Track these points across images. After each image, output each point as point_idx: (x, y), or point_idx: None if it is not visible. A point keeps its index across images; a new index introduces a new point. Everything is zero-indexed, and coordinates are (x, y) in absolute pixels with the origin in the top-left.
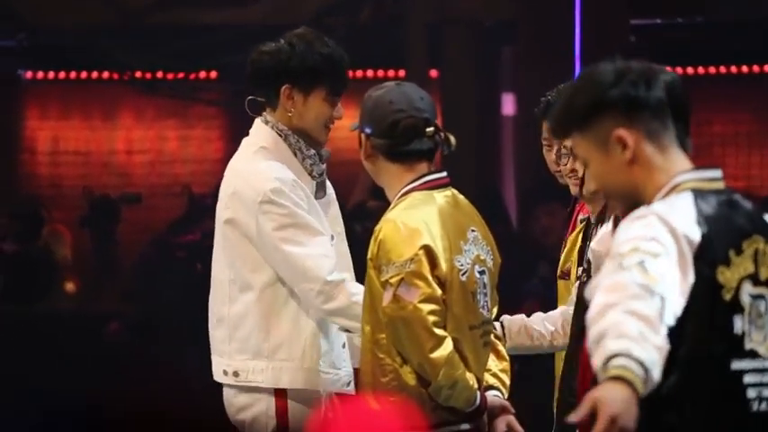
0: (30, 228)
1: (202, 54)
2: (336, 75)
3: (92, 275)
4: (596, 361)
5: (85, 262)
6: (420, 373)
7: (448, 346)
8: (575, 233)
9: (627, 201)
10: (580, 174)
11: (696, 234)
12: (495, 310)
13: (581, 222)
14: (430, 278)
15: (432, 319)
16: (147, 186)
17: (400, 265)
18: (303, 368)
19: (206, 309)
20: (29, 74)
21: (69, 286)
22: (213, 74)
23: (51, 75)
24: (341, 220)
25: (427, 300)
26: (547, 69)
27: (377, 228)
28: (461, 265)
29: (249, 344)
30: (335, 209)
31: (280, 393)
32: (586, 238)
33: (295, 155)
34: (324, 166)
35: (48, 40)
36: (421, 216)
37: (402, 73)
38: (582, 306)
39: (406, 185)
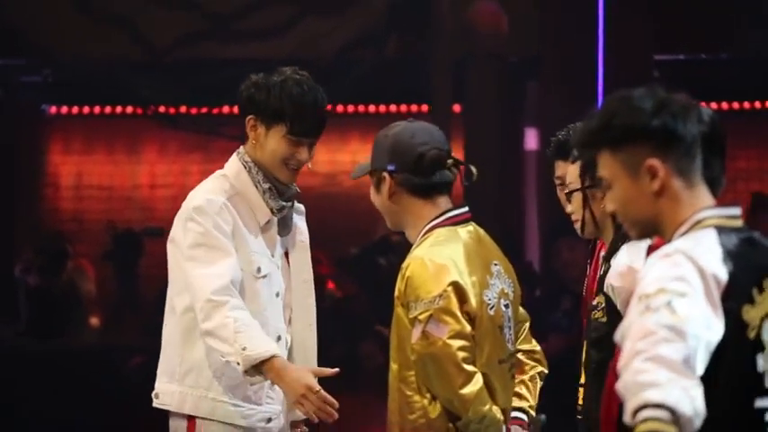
0: (54, 262)
1: (226, 89)
2: (300, 117)
3: (114, 309)
4: (626, 420)
5: (108, 296)
6: (448, 409)
7: (478, 382)
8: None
9: (644, 230)
10: (579, 216)
11: (723, 273)
12: (527, 325)
13: (604, 260)
14: (459, 314)
15: (461, 355)
16: (169, 220)
17: (429, 302)
18: (208, 397)
19: None
20: (53, 109)
21: (93, 321)
22: (236, 109)
23: (75, 109)
24: (310, 268)
25: (456, 336)
26: (570, 104)
27: (403, 265)
28: (489, 300)
29: (168, 367)
30: (304, 256)
31: (192, 420)
32: (601, 275)
33: (256, 187)
34: (285, 203)
35: (72, 75)
36: (447, 253)
37: (425, 108)
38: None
39: (430, 222)
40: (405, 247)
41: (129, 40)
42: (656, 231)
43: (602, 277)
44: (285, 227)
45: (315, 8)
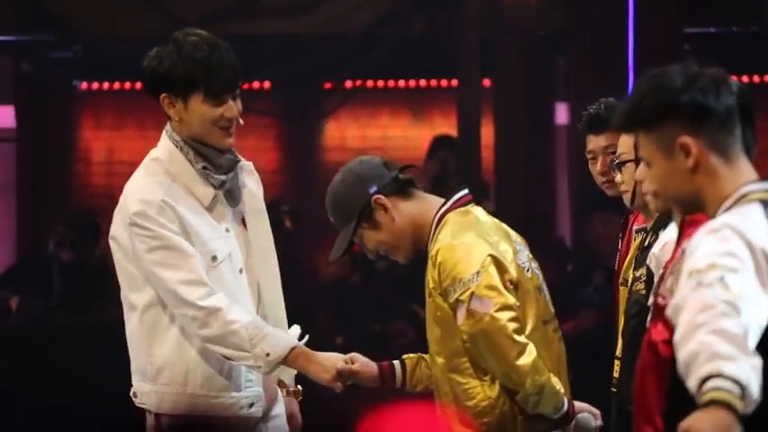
0: (87, 238)
1: (255, 64)
2: (212, 77)
3: None
4: (691, 385)
5: None
6: (506, 385)
7: (532, 352)
8: (635, 244)
9: (687, 206)
10: (629, 187)
11: None
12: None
13: (636, 233)
14: (500, 287)
15: (512, 326)
16: None
17: (468, 281)
18: (186, 393)
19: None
20: (84, 85)
21: None
22: (266, 84)
23: (106, 85)
24: (269, 234)
25: (502, 308)
26: (600, 78)
27: (431, 255)
28: (523, 263)
29: (138, 365)
30: (261, 221)
31: (158, 417)
32: (644, 247)
33: (192, 165)
34: (225, 176)
35: (102, 52)
36: (472, 230)
37: (455, 82)
38: (636, 311)
39: (438, 212)
40: None
41: (159, 16)
42: (699, 207)
43: (646, 249)
44: (233, 198)
45: None
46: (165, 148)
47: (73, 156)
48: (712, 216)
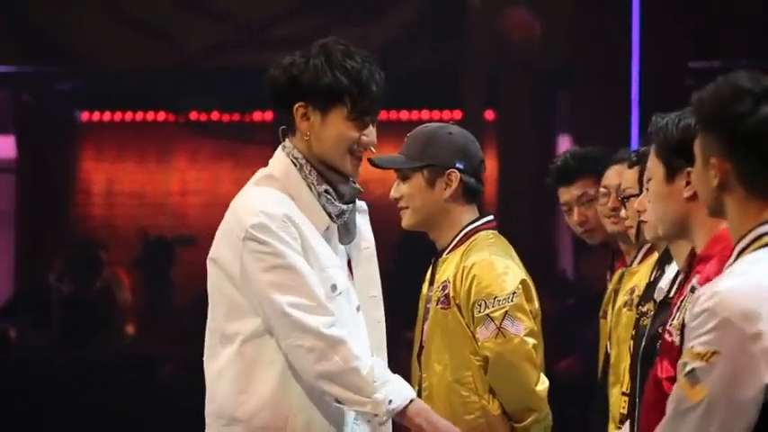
0: (88, 270)
1: (257, 96)
2: (361, 92)
3: (147, 318)
4: None
5: (140, 304)
6: (510, 408)
7: (545, 381)
8: (614, 280)
9: (710, 211)
10: (634, 222)
11: None
12: None
13: (657, 265)
14: (529, 312)
15: (534, 353)
16: (201, 228)
17: (504, 299)
18: None
19: None
20: (85, 115)
21: (129, 329)
22: (268, 115)
23: (107, 116)
24: (378, 281)
25: (530, 334)
26: (603, 112)
27: (465, 266)
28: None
29: (224, 406)
30: (371, 269)
31: None
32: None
33: (310, 188)
34: (346, 206)
35: (104, 83)
36: (506, 252)
37: (458, 114)
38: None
39: (468, 225)
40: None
41: (160, 48)
42: (722, 217)
43: (653, 284)
44: (347, 234)
45: (345, 16)
46: (281, 165)
47: (73, 187)
48: (733, 247)
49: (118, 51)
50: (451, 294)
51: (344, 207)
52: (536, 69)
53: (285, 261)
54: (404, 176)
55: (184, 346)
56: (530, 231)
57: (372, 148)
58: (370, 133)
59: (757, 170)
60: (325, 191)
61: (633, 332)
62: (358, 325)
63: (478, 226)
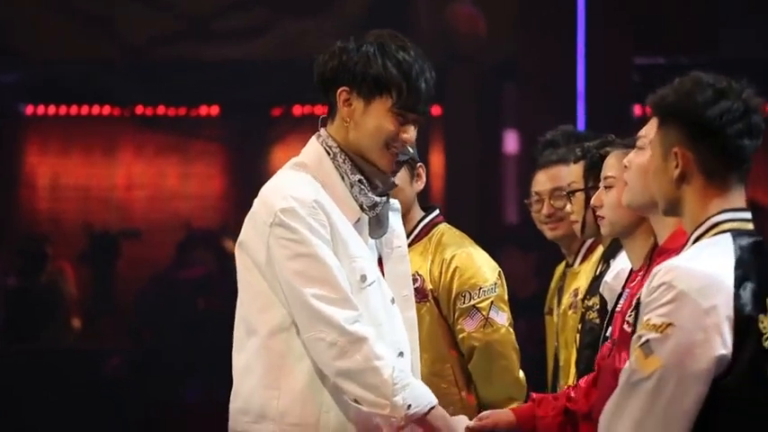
0: (33, 264)
1: (204, 90)
2: (410, 86)
3: (92, 311)
4: None
5: (85, 298)
6: (493, 398)
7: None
8: (556, 277)
9: (664, 206)
10: (579, 216)
11: (730, 288)
12: None
13: (602, 260)
14: (507, 302)
15: (515, 342)
16: (146, 222)
17: (488, 290)
18: None
19: (206, 344)
20: (29, 109)
21: (74, 323)
22: (215, 110)
23: (52, 110)
24: (410, 280)
25: (511, 324)
26: (549, 107)
27: (445, 258)
28: None
29: (253, 402)
30: (405, 268)
31: None
32: (596, 275)
33: (342, 178)
34: (379, 199)
35: (48, 76)
36: (473, 244)
37: None
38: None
39: (425, 218)
40: None
41: (106, 40)
42: (676, 213)
43: (598, 278)
44: (379, 227)
45: (292, 10)
46: (313, 152)
47: (18, 181)
48: (688, 234)
49: (62, 44)
50: (428, 288)
51: (378, 199)
52: (481, 64)
53: (311, 250)
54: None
55: (130, 339)
56: (475, 227)
57: (410, 148)
58: (411, 131)
59: (717, 159)
60: (359, 181)
61: (579, 326)
62: (393, 318)
63: (434, 219)
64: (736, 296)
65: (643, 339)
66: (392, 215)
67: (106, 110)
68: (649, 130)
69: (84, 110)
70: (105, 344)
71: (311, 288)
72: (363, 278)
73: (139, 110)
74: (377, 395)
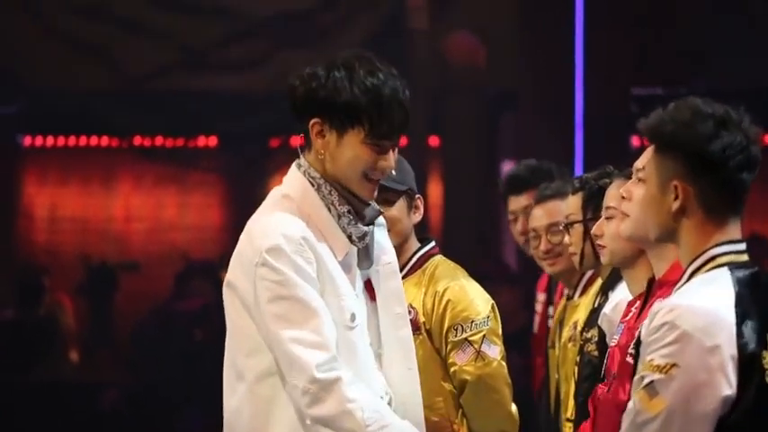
0: (31, 296)
1: (202, 120)
2: (382, 114)
3: (90, 344)
4: None
5: (83, 330)
6: (488, 430)
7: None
8: (558, 310)
9: (659, 236)
10: (578, 249)
11: (731, 326)
12: None
13: (600, 292)
14: (500, 336)
15: (508, 376)
16: (144, 254)
17: (480, 323)
18: None
19: (204, 376)
20: (27, 140)
21: (72, 355)
22: (213, 140)
23: (50, 141)
24: (402, 297)
25: (503, 357)
26: (548, 137)
27: (437, 291)
28: None
29: None
30: (396, 284)
31: None
32: (594, 308)
33: (329, 209)
34: (367, 228)
35: (47, 107)
36: (467, 276)
37: (403, 140)
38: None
39: (420, 249)
40: None
41: (104, 71)
42: (671, 241)
43: (597, 310)
44: (367, 258)
45: (290, 41)
46: (297, 184)
47: (15, 212)
48: (685, 268)
49: (60, 75)
50: (421, 320)
51: (367, 229)
52: (480, 95)
53: (293, 292)
54: (387, 200)
55: (127, 372)
56: (474, 257)
57: (394, 172)
58: (388, 158)
59: (718, 193)
60: (348, 212)
61: (578, 358)
62: (370, 359)
63: (429, 251)
64: (739, 334)
65: (647, 380)
66: (377, 231)
67: (104, 141)
68: (645, 161)
69: (83, 140)
70: (102, 376)
71: (289, 331)
72: (353, 317)
73: (137, 140)
74: None
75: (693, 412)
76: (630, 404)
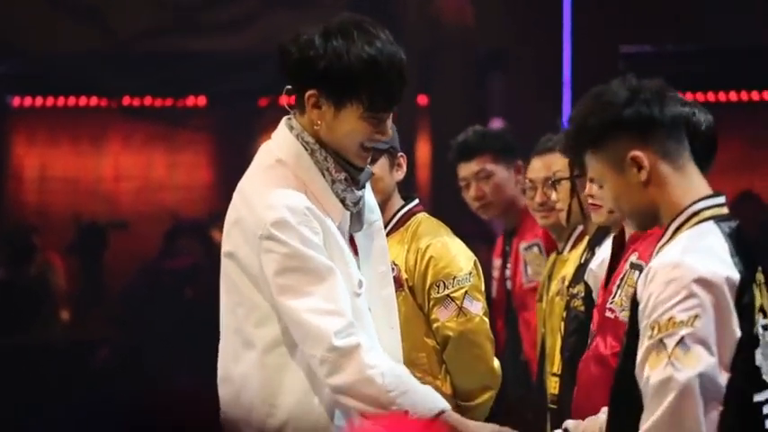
0: (21, 256)
1: (191, 81)
2: (380, 87)
3: (80, 302)
4: None
5: (74, 289)
6: (467, 387)
7: (496, 359)
8: (548, 264)
9: (643, 220)
10: (565, 205)
11: (735, 273)
12: None
13: (587, 248)
14: (482, 292)
15: (491, 332)
16: (134, 213)
17: (462, 279)
18: None
19: (195, 334)
20: (16, 100)
21: (63, 314)
22: (202, 100)
23: (39, 101)
24: (387, 257)
25: (485, 313)
26: (536, 96)
27: (420, 247)
28: None
29: (252, 416)
30: (381, 242)
31: None
32: (581, 263)
33: (323, 175)
34: (361, 192)
35: (36, 67)
36: (450, 233)
37: None
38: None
39: (403, 207)
40: None
41: (93, 32)
42: (656, 221)
43: (583, 266)
44: (359, 221)
45: (278, 1)
46: (289, 148)
47: (5, 173)
48: (665, 224)
49: (50, 35)
50: (404, 277)
51: (361, 194)
52: (468, 53)
53: (300, 263)
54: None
55: (118, 330)
56: (463, 216)
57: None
58: (385, 128)
59: (672, 144)
60: (344, 178)
61: (564, 313)
62: (370, 325)
63: (412, 208)
64: (740, 282)
65: (677, 337)
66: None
67: (93, 101)
68: (591, 169)
69: (72, 101)
70: (94, 335)
71: (301, 301)
72: (360, 283)
73: (126, 101)
74: (375, 406)
75: (724, 355)
76: (655, 377)
